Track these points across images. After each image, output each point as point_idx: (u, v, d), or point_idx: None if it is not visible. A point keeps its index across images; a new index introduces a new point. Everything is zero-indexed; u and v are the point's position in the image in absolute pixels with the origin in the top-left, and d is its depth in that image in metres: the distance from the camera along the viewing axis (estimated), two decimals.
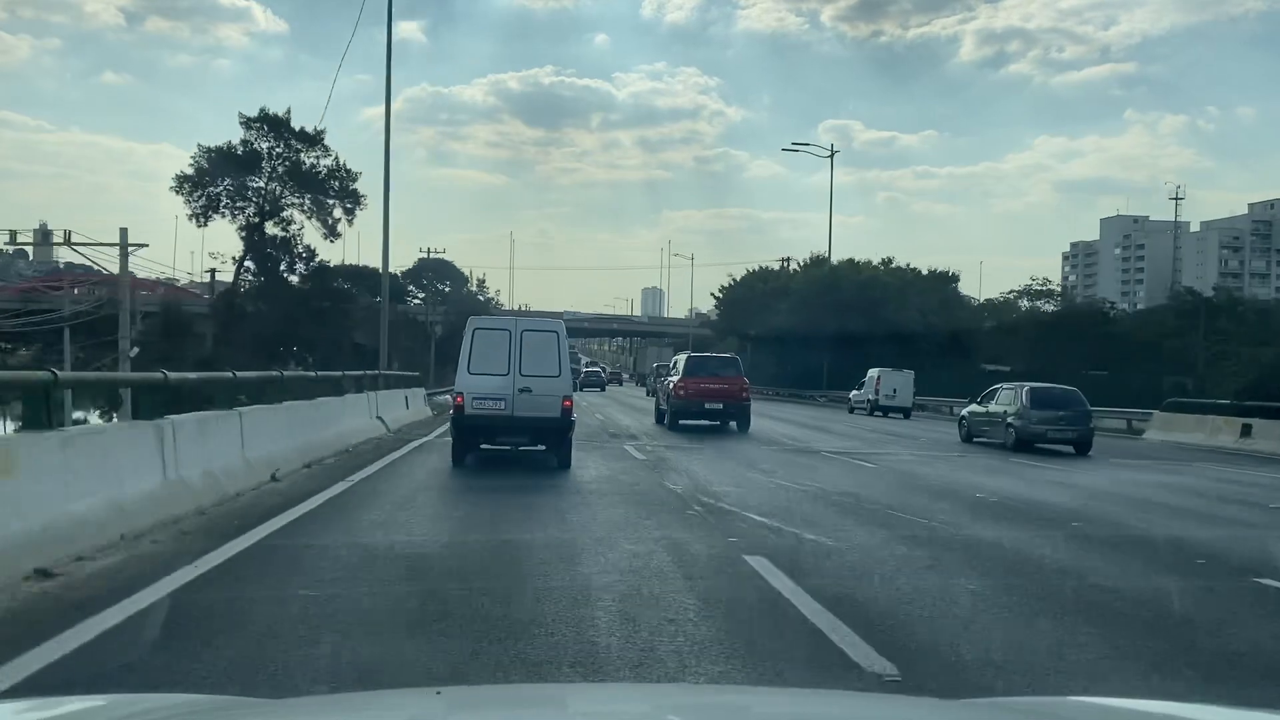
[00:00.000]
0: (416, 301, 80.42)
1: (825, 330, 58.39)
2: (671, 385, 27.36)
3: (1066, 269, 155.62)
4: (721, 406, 26.35)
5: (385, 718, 2.30)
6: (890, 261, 70.91)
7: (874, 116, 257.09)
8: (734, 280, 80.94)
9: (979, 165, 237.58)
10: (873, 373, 42.79)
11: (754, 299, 72.27)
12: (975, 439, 25.73)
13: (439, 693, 2.61)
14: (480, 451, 15.40)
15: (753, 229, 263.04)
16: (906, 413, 41.26)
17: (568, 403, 14.79)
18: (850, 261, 70.51)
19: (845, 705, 2.73)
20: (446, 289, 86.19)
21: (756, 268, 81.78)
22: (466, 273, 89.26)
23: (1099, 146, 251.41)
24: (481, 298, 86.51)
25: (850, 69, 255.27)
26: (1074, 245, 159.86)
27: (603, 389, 67.73)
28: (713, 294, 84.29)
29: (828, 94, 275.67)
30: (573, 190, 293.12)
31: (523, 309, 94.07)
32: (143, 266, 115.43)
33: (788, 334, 62.60)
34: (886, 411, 41.12)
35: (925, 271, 70.60)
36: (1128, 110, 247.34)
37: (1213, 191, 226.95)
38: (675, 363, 29.07)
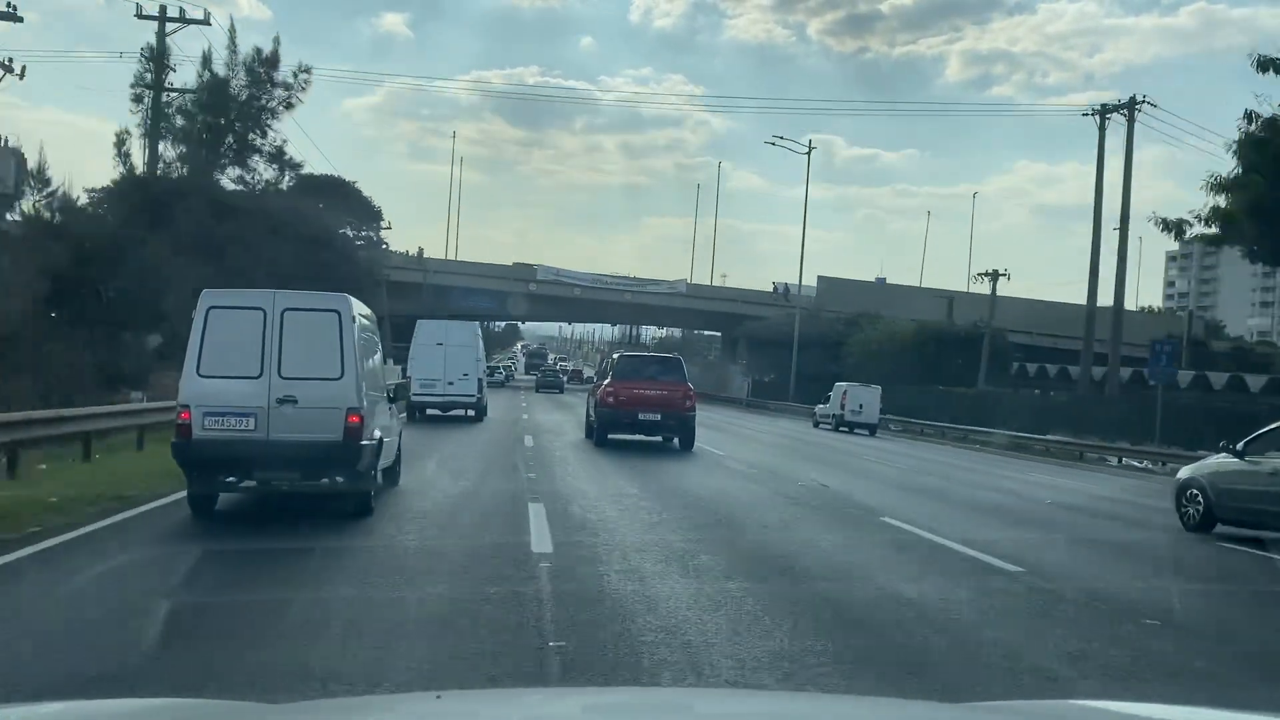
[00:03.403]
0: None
1: None
2: (600, 391, 22.62)
3: (1173, 272, 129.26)
4: (659, 418, 21.85)
5: None
6: None
7: (857, 133, 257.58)
8: None
9: (959, 186, 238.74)
10: (839, 386, 41.50)
11: None
12: (1224, 522, 13.66)
13: (439, 696, 2.64)
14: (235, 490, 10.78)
15: (733, 240, 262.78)
16: (872, 429, 39.74)
17: (354, 418, 10.28)
18: None
19: (843, 707, 2.72)
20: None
21: None
22: (369, 197, 50.32)
23: (1078, 173, 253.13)
24: (395, 248, 52.62)
25: (835, 84, 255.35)
26: (1185, 247, 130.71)
27: (560, 390, 62.11)
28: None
29: (812, 108, 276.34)
30: (554, 193, 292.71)
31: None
32: None
33: None
34: (852, 428, 39.73)
35: None
36: (1109, 139, 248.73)
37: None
38: (609, 363, 24.85)
